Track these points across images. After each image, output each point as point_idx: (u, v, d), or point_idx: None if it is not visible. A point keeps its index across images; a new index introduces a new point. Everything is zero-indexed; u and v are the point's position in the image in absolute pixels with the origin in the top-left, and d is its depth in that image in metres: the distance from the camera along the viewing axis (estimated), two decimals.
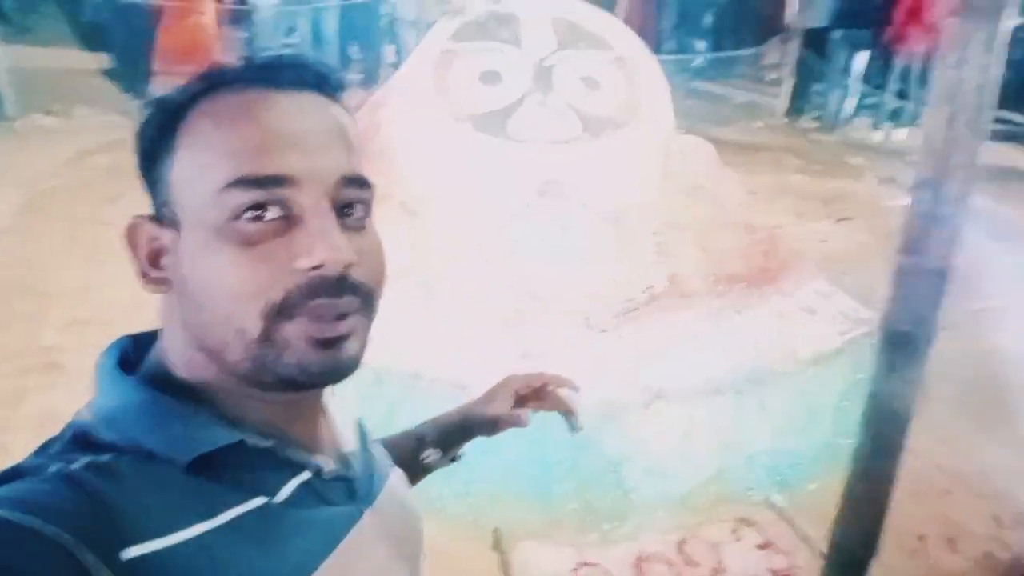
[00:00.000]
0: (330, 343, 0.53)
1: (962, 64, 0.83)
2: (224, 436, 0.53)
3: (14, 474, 0.49)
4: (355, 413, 0.72)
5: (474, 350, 2.60)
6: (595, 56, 3.27)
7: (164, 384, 0.56)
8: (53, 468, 0.48)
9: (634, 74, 3.29)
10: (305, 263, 0.51)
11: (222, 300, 0.52)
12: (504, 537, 2.20)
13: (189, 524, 0.49)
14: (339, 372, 0.55)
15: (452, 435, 0.93)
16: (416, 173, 2.98)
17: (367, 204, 0.57)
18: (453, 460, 0.95)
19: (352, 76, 7.12)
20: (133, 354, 0.59)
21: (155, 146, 0.55)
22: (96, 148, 4.96)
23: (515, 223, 2.85)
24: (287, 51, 6.98)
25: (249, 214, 0.51)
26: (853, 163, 6.39)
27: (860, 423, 1.02)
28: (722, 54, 8.00)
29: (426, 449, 0.90)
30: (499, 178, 2.93)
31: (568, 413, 0.94)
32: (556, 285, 2.74)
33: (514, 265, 2.78)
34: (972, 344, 3.47)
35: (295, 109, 0.54)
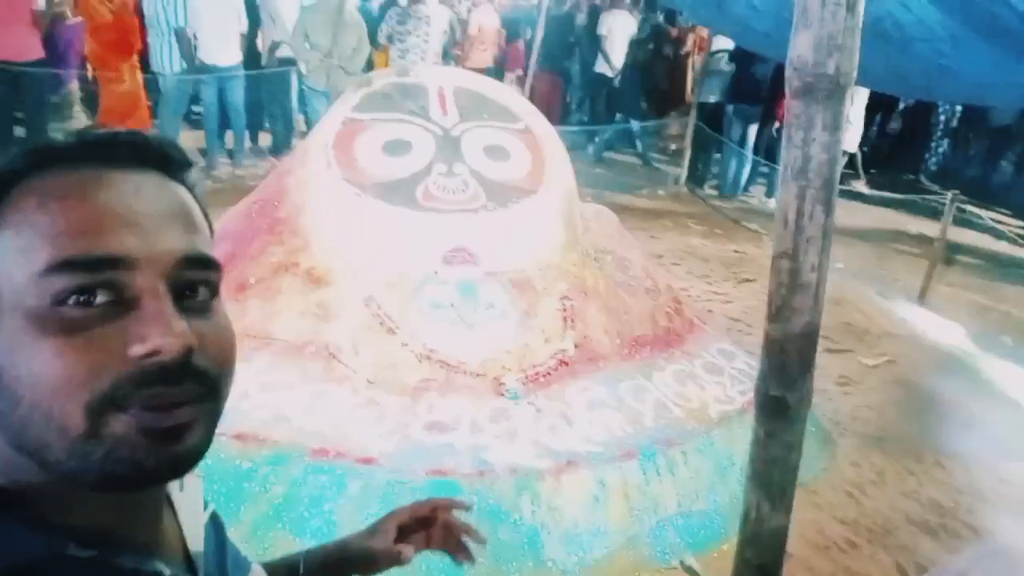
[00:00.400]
0: (167, 434, 0.49)
1: (809, 143, 0.88)
2: (36, 546, 0.48)
3: None
4: (206, 507, 0.65)
5: (382, 422, 2.52)
6: (501, 126, 3.35)
7: None
8: None
9: (538, 144, 3.38)
10: (139, 350, 0.47)
11: (41, 394, 0.47)
12: None
13: None
14: (177, 466, 0.50)
15: (329, 569, 0.84)
16: (321, 242, 2.92)
17: (213, 285, 0.54)
18: None
19: (262, 144, 7.06)
20: None
21: None
22: None
23: (422, 291, 2.83)
24: (192, 119, 6.89)
25: (74, 299, 0.47)
26: (751, 228, 6.72)
27: (745, 490, 1.03)
28: (626, 126, 8.36)
29: None
30: (406, 246, 2.91)
31: (457, 551, 0.88)
32: (465, 352, 2.71)
33: (422, 333, 2.74)
34: (871, 398, 3.63)
35: (130, 188, 0.51)
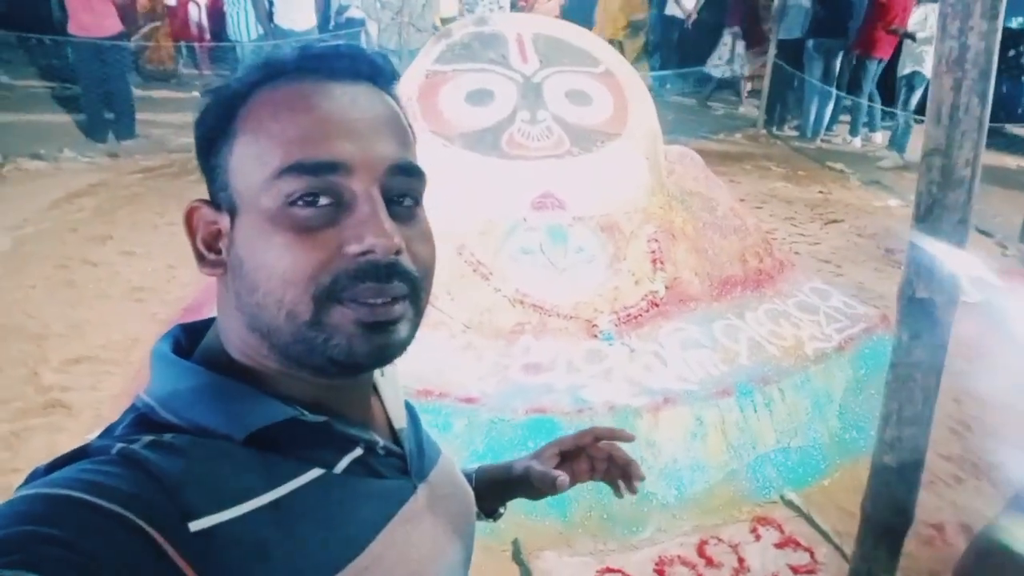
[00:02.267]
0: (379, 327, 0.54)
1: (966, 32, 0.85)
2: (279, 412, 0.54)
3: (79, 454, 0.49)
4: (402, 394, 0.72)
5: (481, 365, 2.60)
6: (582, 71, 3.32)
7: (218, 366, 0.57)
8: (116, 448, 0.49)
9: (620, 87, 3.34)
10: (355, 248, 0.52)
11: (274, 283, 0.52)
12: (524, 548, 2.18)
13: (252, 496, 0.51)
14: (387, 356, 0.55)
15: (494, 489, 0.88)
16: None
17: (417, 193, 0.58)
18: (492, 517, 0.90)
19: None
20: (185, 342, 0.60)
21: (214, 133, 0.56)
22: (82, 190, 4.96)
23: (512, 237, 2.87)
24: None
25: (302, 200, 0.52)
26: (835, 168, 6.49)
27: (885, 393, 1.03)
28: (701, 68, 8.11)
29: None
30: (494, 194, 2.95)
31: (617, 484, 0.86)
32: (557, 296, 2.75)
33: (514, 278, 2.79)
34: (973, 332, 3.50)
35: (349, 99, 0.55)
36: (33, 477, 0.48)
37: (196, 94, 7.91)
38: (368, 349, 0.53)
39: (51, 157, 5.53)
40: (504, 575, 2.11)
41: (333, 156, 0.53)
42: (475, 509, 0.77)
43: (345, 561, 0.54)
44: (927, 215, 0.93)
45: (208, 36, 8.35)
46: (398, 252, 0.53)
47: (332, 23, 6.74)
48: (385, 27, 6.08)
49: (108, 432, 0.54)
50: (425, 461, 0.68)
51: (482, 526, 0.90)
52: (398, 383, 0.71)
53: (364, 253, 0.52)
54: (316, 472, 0.55)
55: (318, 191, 0.53)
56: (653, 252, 2.98)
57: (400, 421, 0.67)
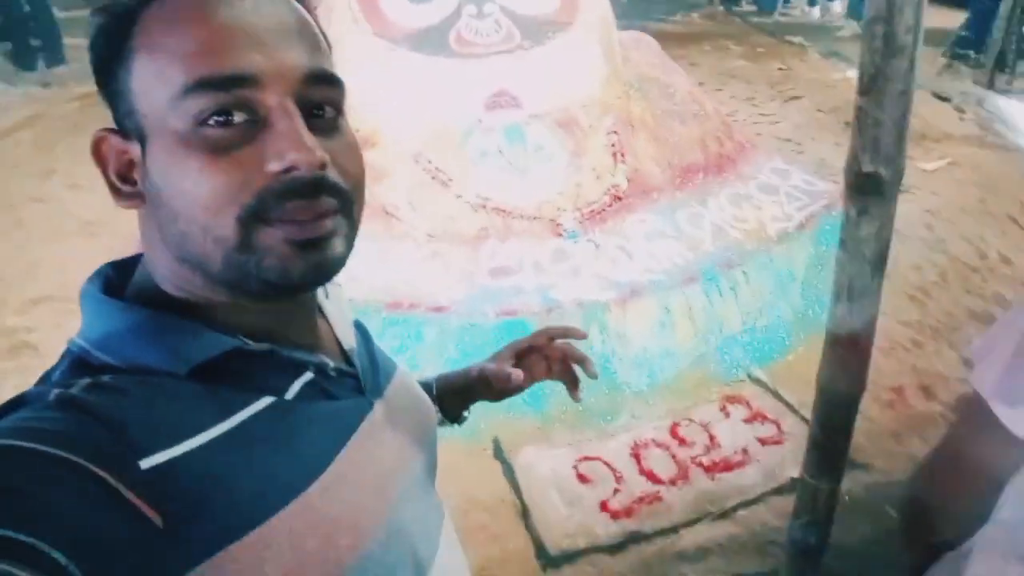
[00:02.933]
0: (311, 244, 0.52)
1: None
2: (221, 343, 0.53)
3: (17, 403, 0.48)
4: (350, 312, 0.71)
5: (447, 272, 2.59)
6: None
7: (152, 302, 0.55)
8: (53, 394, 0.47)
9: None
10: (276, 166, 0.50)
11: (196, 210, 0.50)
12: (504, 446, 2.25)
13: (202, 430, 0.49)
14: (323, 273, 0.54)
15: (455, 394, 0.89)
16: (360, 103, 2.89)
17: (337, 103, 0.55)
18: (457, 422, 0.91)
19: None
20: (116, 279, 0.58)
21: (109, 55, 0.52)
22: (18, 123, 4.72)
23: (469, 140, 2.81)
24: None
25: (214, 119, 0.49)
26: (794, 42, 6.37)
27: (835, 269, 1.05)
28: None
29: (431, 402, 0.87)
30: (447, 96, 2.86)
31: (572, 382, 0.88)
32: (519, 197, 2.73)
33: (474, 183, 2.75)
34: (931, 202, 3.57)
35: (252, 5, 0.51)
36: None
37: None
38: (303, 268, 0.52)
39: None
40: (487, 473, 2.18)
41: (240, 68, 0.49)
42: (435, 418, 0.78)
43: (306, 483, 0.53)
44: (871, 86, 0.92)
45: None
46: (323, 166, 0.51)
47: None
48: None
49: (45, 379, 0.53)
50: (380, 377, 0.68)
51: (462, 428, 0.93)
52: (344, 302, 0.70)
53: (287, 170, 0.50)
54: (267, 400, 0.54)
55: (229, 107, 0.49)
56: (613, 145, 2.94)
57: (349, 340, 0.66)
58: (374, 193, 2.75)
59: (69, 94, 5.26)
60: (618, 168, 2.93)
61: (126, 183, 0.54)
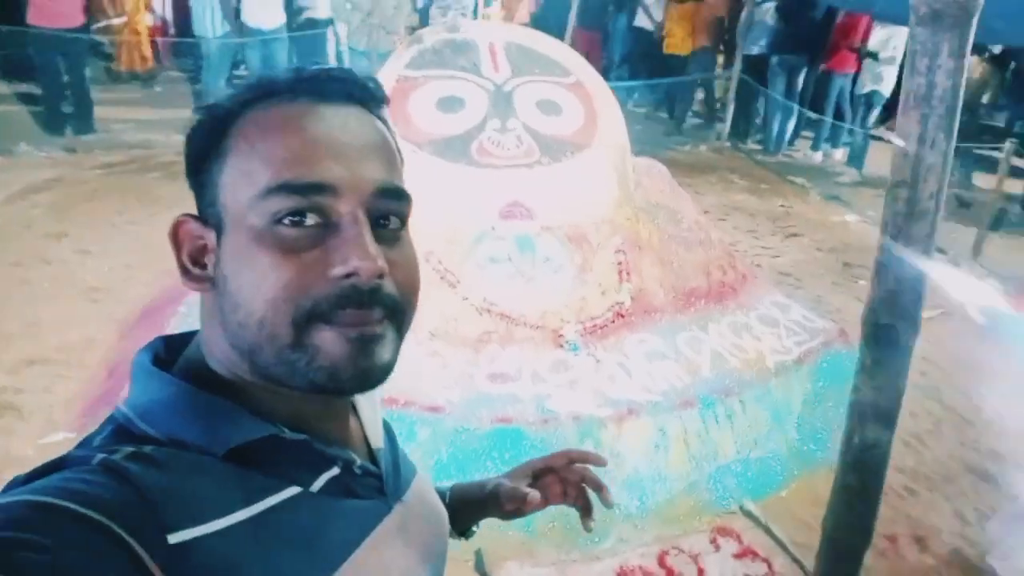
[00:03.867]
0: (360, 349, 0.54)
1: (934, 70, 0.88)
2: (259, 429, 0.54)
3: (59, 465, 0.49)
4: (381, 412, 0.72)
5: (447, 373, 2.59)
6: (552, 81, 3.34)
7: (198, 379, 0.57)
8: (97, 459, 0.49)
9: (590, 98, 3.37)
10: (339, 271, 0.52)
11: (257, 304, 0.53)
12: (487, 559, 2.18)
13: (228, 512, 0.51)
14: (370, 380, 0.55)
15: (467, 508, 0.87)
16: None
17: (403, 216, 0.59)
18: (464, 536, 0.90)
19: None
20: (165, 353, 0.60)
21: (204, 151, 0.56)
22: (39, 185, 4.83)
23: (480, 246, 2.87)
24: (236, 83, 6.94)
25: (288, 219, 0.53)
26: (796, 182, 6.62)
27: (847, 415, 1.05)
28: (668, 80, 8.20)
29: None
30: (463, 202, 2.94)
31: (585, 510, 0.86)
32: (524, 305, 2.76)
33: (481, 287, 2.79)
34: (927, 349, 3.60)
35: (339, 121, 0.56)
36: (12, 486, 0.48)
37: (158, 89, 7.75)
38: (351, 373, 0.53)
39: (6, 151, 5.37)
40: None
41: (321, 177, 0.53)
42: (448, 528, 0.77)
43: None
44: (891, 245, 0.96)
45: (172, 30, 8.20)
46: (381, 276, 0.54)
47: (295, 22, 6.64)
48: (355, 29, 6.03)
49: (86, 443, 0.54)
50: (401, 481, 0.68)
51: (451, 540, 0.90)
52: (376, 402, 0.71)
53: (347, 276, 0.52)
54: (293, 490, 0.55)
55: (304, 211, 0.53)
56: (619, 263, 3.01)
57: (378, 440, 0.67)
58: None
59: (92, 161, 5.41)
60: (623, 286, 2.98)
61: (196, 266, 0.57)
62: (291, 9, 6.61)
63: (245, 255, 0.53)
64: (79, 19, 5.76)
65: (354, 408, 0.68)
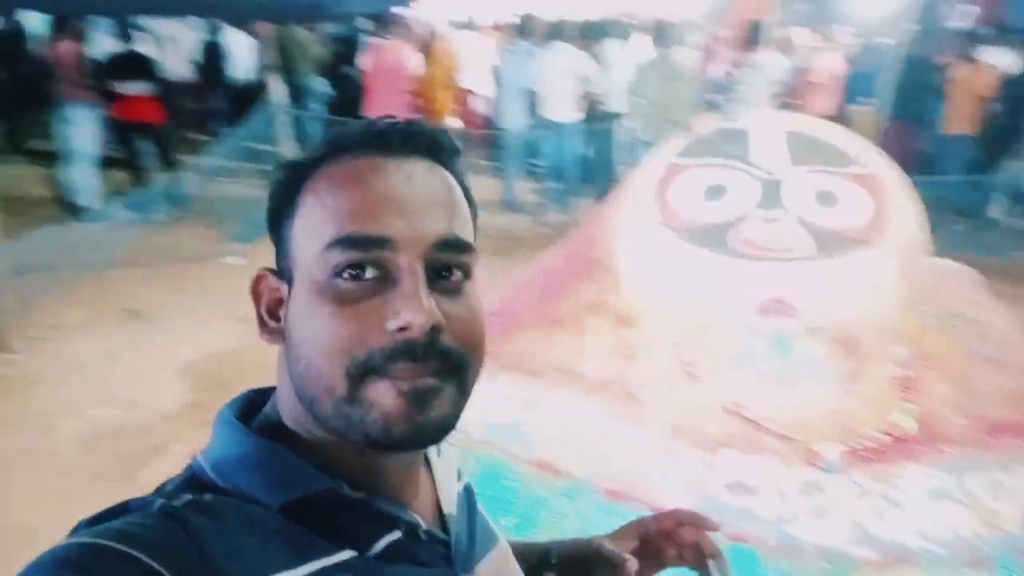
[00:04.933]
0: (415, 405, 0.53)
1: None
2: (316, 482, 0.54)
3: (123, 509, 0.52)
4: (462, 478, 0.70)
5: (678, 474, 2.41)
6: (835, 171, 3.07)
7: (269, 431, 0.58)
8: (157, 504, 0.51)
9: (883, 191, 3.02)
10: (392, 324, 0.52)
11: (315, 355, 0.53)
12: None
13: (280, 568, 0.50)
14: (427, 435, 0.54)
15: (575, 564, 0.81)
16: (632, 284, 2.93)
17: (467, 268, 0.58)
18: None
19: (590, 194, 7.42)
20: (250, 407, 0.63)
21: (281, 205, 0.59)
22: None
23: (733, 341, 2.67)
24: (533, 170, 7.49)
25: (348, 272, 0.53)
26: None
27: None
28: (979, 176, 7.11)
29: (547, 570, 0.80)
30: (719, 293, 2.78)
31: (705, 568, 0.77)
32: (775, 411, 2.48)
33: (729, 385, 2.58)
34: None
35: (403, 174, 0.56)
36: (77, 529, 0.50)
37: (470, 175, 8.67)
38: (406, 428, 0.53)
39: None
40: None
41: (380, 231, 0.53)
42: None
43: None
44: None
45: (488, 125, 9.17)
46: (435, 330, 0.53)
47: (590, 115, 7.01)
48: (645, 121, 6.20)
49: (160, 489, 0.56)
50: (475, 550, 0.65)
51: None
52: (453, 465, 0.69)
53: (401, 329, 0.52)
54: (348, 554, 0.54)
55: (364, 264, 0.53)
56: (901, 379, 2.59)
57: (450, 505, 0.65)
58: (623, 372, 2.72)
59: None
60: (904, 407, 2.55)
61: (272, 318, 0.60)
62: (588, 103, 7.02)
63: (307, 307, 0.54)
64: (404, 114, 6.71)
65: (429, 469, 0.65)
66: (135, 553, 0.45)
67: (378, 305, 0.53)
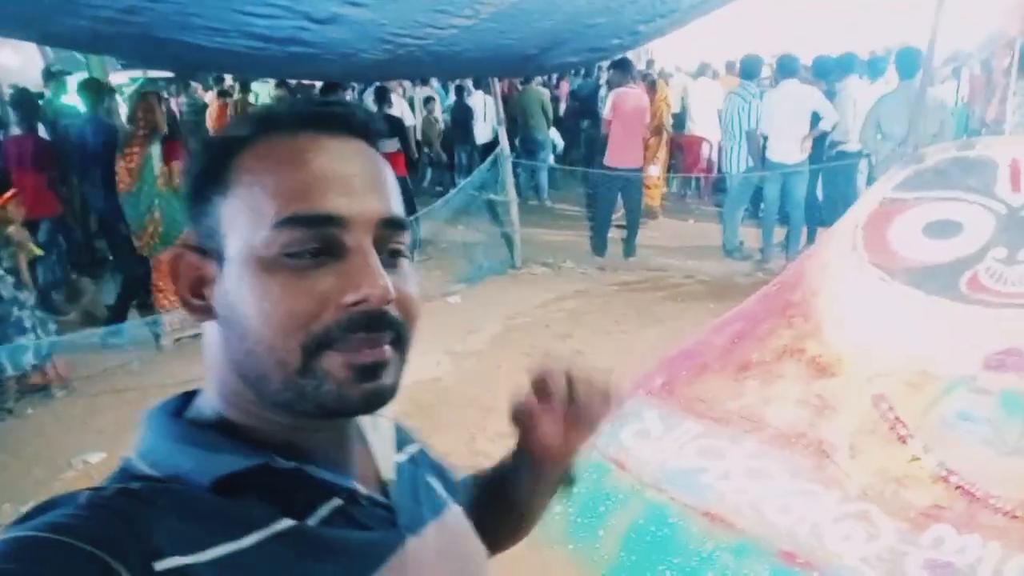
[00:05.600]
0: (368, 372, 0.54)
1: None
2: (247, 458, 0.54)
3: (49, 506, 0.52)
4: (407, 447, 0.71)
5: (872, 544, 2.11)
6: None
7: (199, 419, 0.59)
8: (84, 495, 0.51)
9: None
10: (351, 297, 0.53)
11: (266, 331, 0.54)
12: None
13: (216, 544, 0.51)
14: (377, 402, 0.56)
15: (495, 489, 0.82)
16: (833, 329, 2.66)
17: (403, 245, 0.59)
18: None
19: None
20: (185, 403, 0.63)
21: (204, 181, 0.58)
22: (567, 295, 5.71)
23: (950, 397, 2.30)
24: (757, 215, 7.12)
25: (297, 250, 0.54)
26: None
27: None
28: None
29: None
30: (937, 342, 2.43)
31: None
32: (998, 483, 2.08)
33: (941, 448, 2.21)
34: None
35: (343, 154, 0.57)
36: (10, 526, 0.50)
37: (692, 222, 8.48)
38: (359, 395, 0.54)
39: (555, 265, 6.53)
40: None
41: (330, 210, 0.54)
42: (485, 567, 0.71)
43: None
44: None
45: (714, 170, 8.94)
46: (389, 301, 0.55)
47: (824, 156, 6.52)
48: (884, 158, 5.64)
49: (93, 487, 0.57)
50: (424, 513, 0.65)
51: None
52: (388, 435, 0.69)
53: (358, 303, 0.53)
54: (287, 523, 0.54)
55: (313, 242, 0.54)
56: None
57: (389, 473, 0.65)
58: (815, 425, 2.46)
59: (614, 279, 6.16)
60: None
61: (195, 297, 0.58)
62: (821, 143, 6.56)
63: (254, 285, 0.54)
64: (639, 162, 6.76)
65: (364, 440, 0.66)
66: (70, 540, 0.46)
67: (330, 281, 0.54)
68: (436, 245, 7.10)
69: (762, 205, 6.69)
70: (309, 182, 0.55)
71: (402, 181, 7.26)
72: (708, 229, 7.17)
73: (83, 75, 5.67)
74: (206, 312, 0.58)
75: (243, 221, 0.55)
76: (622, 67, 6.55)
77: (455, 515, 0.70)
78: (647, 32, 4.44)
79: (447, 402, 3.88)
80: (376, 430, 0.68)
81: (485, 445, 3.44)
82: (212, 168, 0.57)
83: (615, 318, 5.09)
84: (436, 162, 9.79)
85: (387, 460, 0.66)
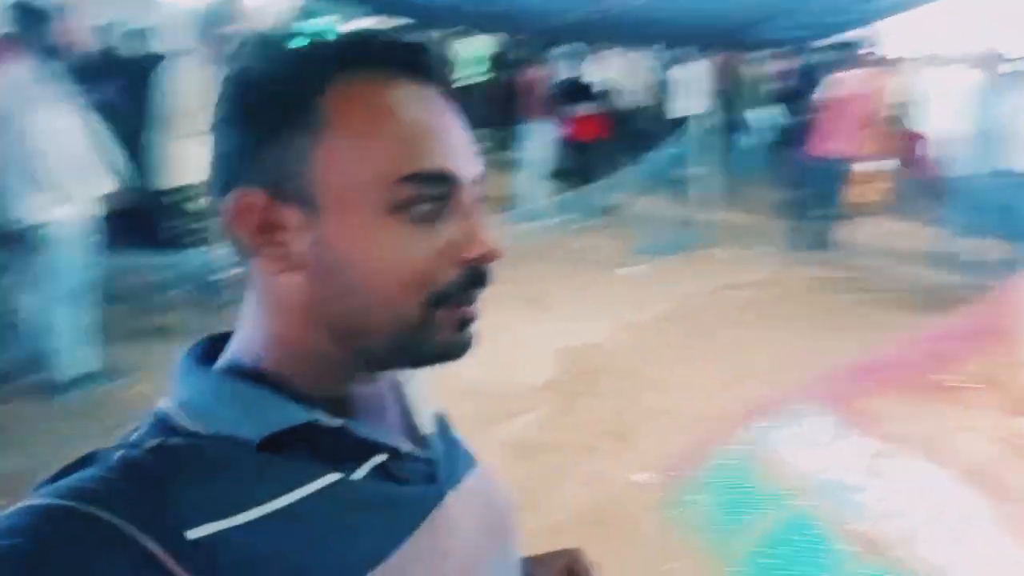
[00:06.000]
0: (466, 324, 0.57)
1: None
2: (295, 416, 0.53)
3: (86, 460, 0.50)
4: (435, 403, 0.70)
5: None
6: None
7: (239, 371, 0.56)
8: (118, 454, 0.49)
9: None
10: (471, 254, 0.55)
11: (388, 286, 0.53)
12: None
13: (259, 503, 0.49)
14: (467, 350, 0.58)
15: None
16: None
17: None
18: None
19: None
20: (210, 352, 0.60)
21: (275, 118, 0.53)
22: (748, 282, 5.44)
23: None
24: (985, 224, 6.28)
25: (418, 206, 0.54)
26: None
27: None
28: None
29: None
30: None
31: None
32: None
33: None
34: None
35: (451, 111, 0.58)
36: (37, 487, 0.48)
37: (914, 223, 7.63)
38: (459, 345, 0.58)
39: (743, 250, 6.22)
40: None
41: (451, 169, 0.55)
42: (517, 520, 0.71)
43: (363, 570, 0.51)
44: None
45: (946, 169, 7.99)
46: (498, 257, 0.57)
47: None
48: None
49: (125, 438, 0.54)
50: (458, 469, 0.66)
51: None
52: (423, 390, 0.69)
53: (480, 259, 0.56)
54: (333, 477, 0.53)
55: (433, 199, 0.54)
56: None
57: (427, 428, 0.65)
58: (1006, 467, 2.19)
59: (805, 273, 5.77)
60: None
61: (267, 243, 0.54)
62: None
63: (371, 238, 0.52)
64: (848, 152, 6.22)
65: (403, 397, 0.66)
66: (92, 510, 0.44)
67: (450, 236, 0.55)
68: (619, 215, 7.04)
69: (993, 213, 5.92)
70: (431, 138, 0.54)
71: (598, 146, 7.32)
72: (929, 233, 6.49)
73: None
74: (283, 261, 0.54)
75: (354, 170, 0.52)
76: (844, 48, 6.02)
77: (487, 472, 0.70)
78: (871, 12, 4.03)
79: (605, 369, 3.90)
80: (412, 383, 0.68)
81: (632, 418, 3.41)
82: (288, 103, 0.53)
83: (795, 314, 4.79)
84: (637, 132, 9.64)
85: (425, 416, 0.66)
